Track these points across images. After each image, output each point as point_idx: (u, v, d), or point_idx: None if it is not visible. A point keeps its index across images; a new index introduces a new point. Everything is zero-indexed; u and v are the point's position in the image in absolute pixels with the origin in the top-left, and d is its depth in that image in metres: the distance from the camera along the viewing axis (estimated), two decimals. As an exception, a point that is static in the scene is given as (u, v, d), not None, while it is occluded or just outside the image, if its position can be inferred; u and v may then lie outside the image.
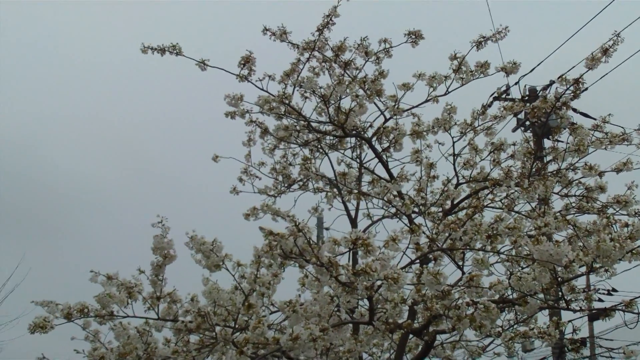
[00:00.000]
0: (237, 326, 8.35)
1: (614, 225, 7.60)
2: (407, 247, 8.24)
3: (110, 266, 8.79)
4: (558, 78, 9.43)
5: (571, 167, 10.18)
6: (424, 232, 8.00)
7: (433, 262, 8.69)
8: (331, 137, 11.41)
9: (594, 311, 8.43)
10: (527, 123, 17.80)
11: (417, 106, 10.79)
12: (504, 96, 15.28)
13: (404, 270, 7.13)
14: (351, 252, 9.16)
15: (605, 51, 8.97)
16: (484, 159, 10.74)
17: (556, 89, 9.58)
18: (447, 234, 7.64)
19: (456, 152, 10.78)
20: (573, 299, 8.45)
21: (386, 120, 10.85)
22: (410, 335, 9.77)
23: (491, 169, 10.63)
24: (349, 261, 9.35)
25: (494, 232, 7.54)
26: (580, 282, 9.34)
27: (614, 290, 9.64)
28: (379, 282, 7.03)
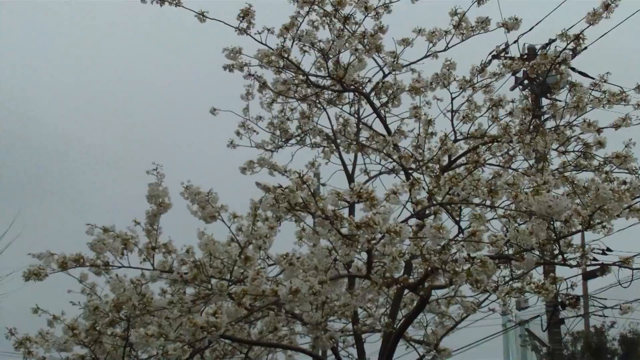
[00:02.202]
0: (232, 279, 8.35)
1: (612, 182, 7.60)
2: (407, 202, 8.24)
3: (104, 222, 8.80)
4: (558, 35, 9.39)
5: (569, 125, 10.18)
6: (423, 187, 7.98)
7: (433, 216, 8.69)
8: (329, 92, 11.36)
9: (590, 265, 8.43)
10: (525, 82, 17.75)
11: (416, 62, 10.78)
12: (503, 55, 15.22)
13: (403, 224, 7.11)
14: (349, 206, 9.20)
15: (606, 6, 8.93)
16: (482, 115, 10.73)
17: (555, 47, 9.56)
18: (447, 189, 7.61)
19: (454, 109, 10.76)
20: (570, 253, 8.45)
21: (385, 75, 10.84)
22: (406, 291, 9.80)
23: (489, 126, 10.62)
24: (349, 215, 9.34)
25: (493, 187, 7.52)
26: (575, 241, 9.36)
27: (609, 249, 9.63)
28: (379, 236, 7.01)
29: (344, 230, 6.98)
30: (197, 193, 8.67)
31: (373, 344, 10.70)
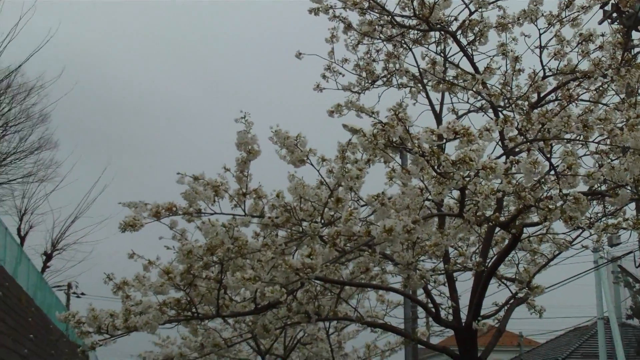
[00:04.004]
0: (323, 221, 8.41)
1: None
2: (499, 139, 8.18)
3: (192, 172, 8.92)
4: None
5: (662, 57, 9.97)
6: (514, 125, 7.91)
7: (527, 153, 8.62)
8: (415, 32, 11.25)
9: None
10: (614, 15, 17.42)
11: (502, -3, 10.62)
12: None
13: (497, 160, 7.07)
14: (437, 146, 9.17)
15: None
16: (572, 51, 10.54)
17: (647, -23, 9.34)
18: (539, 126, 7.53)
19: (543, 44, 10.60)
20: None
21: (471, 13, 10.70)
22: (497, 229, 9.77)
23: (579, 61, 10.44)
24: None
25: (585, 123, 7.42)
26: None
27: None
28: (473, 173, 6.97)
29: (441, 168, 6.96)
30: (285, 137, 8.72)
31: (464, 282, 10.75)
